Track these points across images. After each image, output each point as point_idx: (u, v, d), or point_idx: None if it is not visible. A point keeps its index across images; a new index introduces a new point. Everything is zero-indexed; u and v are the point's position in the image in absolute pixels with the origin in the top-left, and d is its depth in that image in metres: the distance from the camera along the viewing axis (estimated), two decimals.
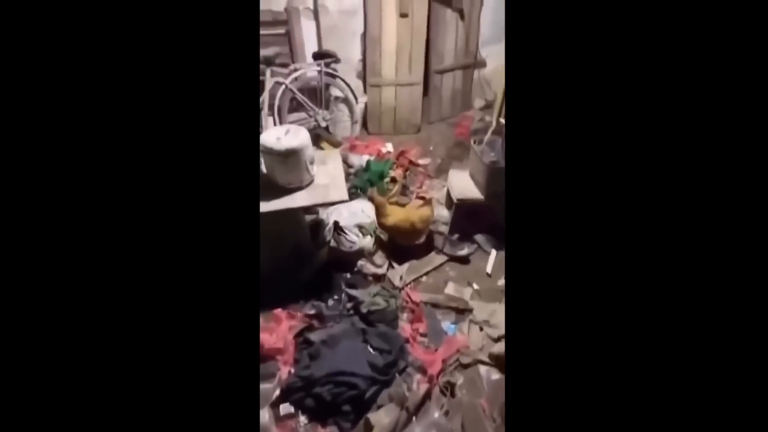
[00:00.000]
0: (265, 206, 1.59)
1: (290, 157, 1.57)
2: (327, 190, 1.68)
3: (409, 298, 1.77)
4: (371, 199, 1.98)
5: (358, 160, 2.65)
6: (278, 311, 1.67)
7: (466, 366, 1.51)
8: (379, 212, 1.94)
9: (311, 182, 1.72)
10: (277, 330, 1.58)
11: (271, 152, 1.57)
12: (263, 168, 1.67)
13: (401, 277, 1.87)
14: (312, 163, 1.68)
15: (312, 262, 1.89)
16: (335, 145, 2.94)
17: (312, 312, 1.70)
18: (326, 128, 2.90)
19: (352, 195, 2.39)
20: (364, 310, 1.65)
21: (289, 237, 1.84)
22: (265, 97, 2.63)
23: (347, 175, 2.54)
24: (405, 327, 1.65)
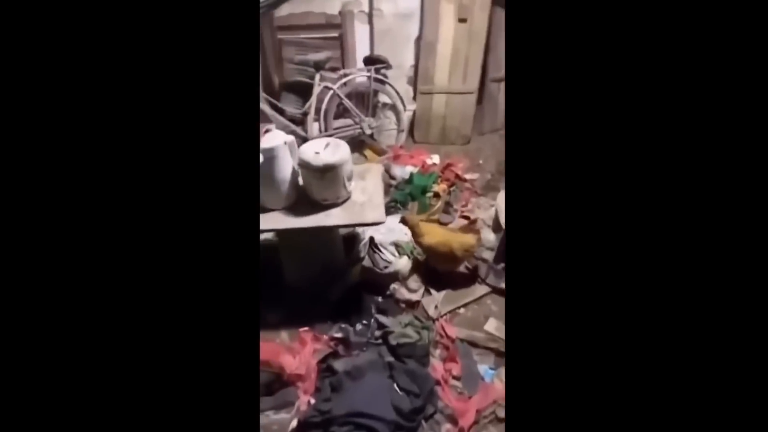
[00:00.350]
0: (297, 222, 1.52)
1: (327, 173, 1.49)
2: (363, 209, 1.58)
3: (444, 332, 1.63)
4: (404, 221, 1.84)
5: (401, 171, 2.53)
6: (303, 332, 1.60)
7: (503, 421, 1.34)
8: (415, 231, 1.81)
9: (347, 199, 1.62)
10: (301, 353, 1.50)
11: (308, 167, 1.49)
12: (300, 181, 1.60)
13: (436, 307, 1.73)
14: (350, 179, 1.59)
15: (343, 281, 1.80)
16: (379, 153, 2.84)
17: (339, 335, 1.61)
18: (371, 136, 2.80)
19: (391, 209, 2.28)
20: (393, 341, 1.53)
21: (322, 252, 1.76)
22: (312, 102, 2.59)
23: (388, 187, 2.43)
24: (436, 366, 1.50)
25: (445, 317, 1.70)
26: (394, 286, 1.80)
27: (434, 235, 1.80)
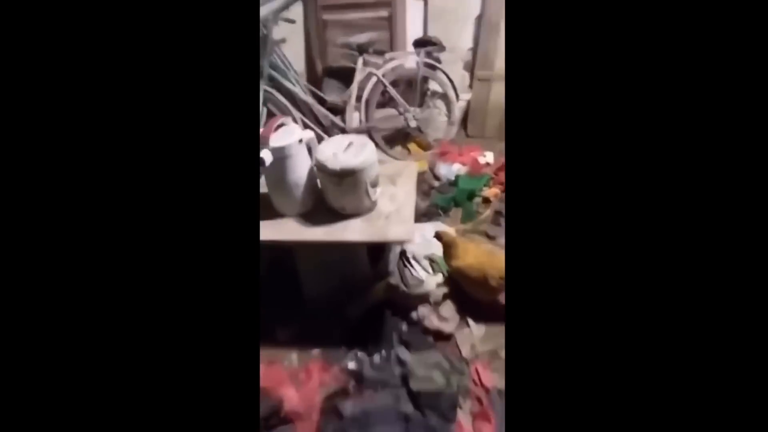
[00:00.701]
0: (308, 233, 1.30)
1: (346, 178, 1.24)
2: (388, 223, 1.31)
3: (479, 379, 1.33)
4: (438, 237, 1.54)
5: (447, 170, 2.21)
6: (312, 363, 1.39)
7: None
8: (447, 250, 1.51)
9: (372, 209, 1.36)
10: (306, 386, 1.30)
11: (324, 170, 1.26)
12: (319, 184, 1.37)
13: (473, 346, 1.43)
14: (375, 186, 1.32)
15: (363, 298, 1.56)
16: (425, 147, 2.54)
17: (352, 366, 1.38)
18: (417, 128, 2.50)
19: (432, 214, 1.98)
20: (414, 386, 1.27)
21: (340, 264, 1.53)
22: (353, 89, 2.34)
23: (429, 189, 2.13)
24: (464, 424, 1.22)
25: (482, 360, 1.39)
26: (423, 311, 1.53)
27: (467, 255, 1.49)
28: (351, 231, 1.29)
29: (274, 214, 1.37)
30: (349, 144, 1.30)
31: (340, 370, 1.37)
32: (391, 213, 1.35)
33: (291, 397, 1.25)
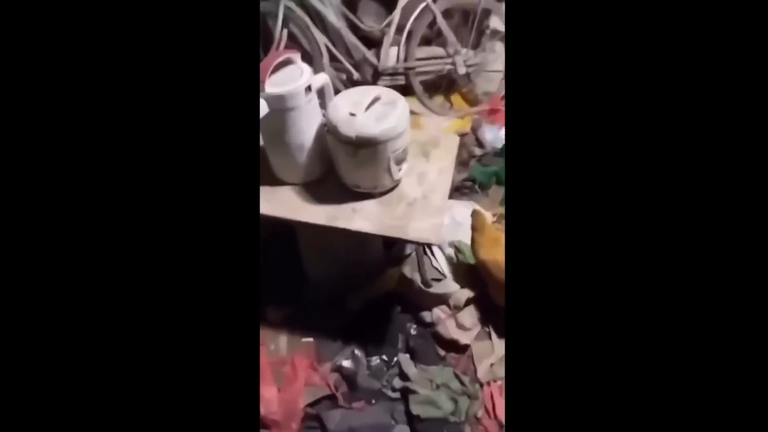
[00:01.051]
0: (305, 212, 1.02)
1: (362, 149, 0.92)
2: (410, 211, 1.01)
3: (493, 409, 1.11)
4: (474, 216, 1.25)
5: (493, 136, 1.82)
6: (299, 357, 1.20)
7: None
8: (474, 237, 1.22)
9: (392, 189, 1.06)
10: (289, 387, 1.12)
11: (336, 134, 0.94)
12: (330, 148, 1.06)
13: (492, 366, 1.19)
14: (400, 162, 1.00)
15: (369, 287, 1.32)
16: (471, 102, 2.11)
17: (347, 365, 1.18)
18: (466, 75, 2.05)
19: (466, 190, 1.66)
20: (414, 409, 1.07)
21: (346, 245, 1.27)
22: (395, 15, 1.89)
23: (469, 158, 1.77)
24: None
25: (499, 385, 1.16)
26: (438, 313, 1.28)
27: (496, 248, 1.19)
28: (360, 218, 1.00)
29: (272, 178, 1.09)
30: (375, 99, 0.96)
31: (331, 370, 1.18)
32: (416, 199, 1.04)
33: (268, 400, 1.07)
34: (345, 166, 1.00)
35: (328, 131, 0.97)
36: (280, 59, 0.95)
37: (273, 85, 0.92)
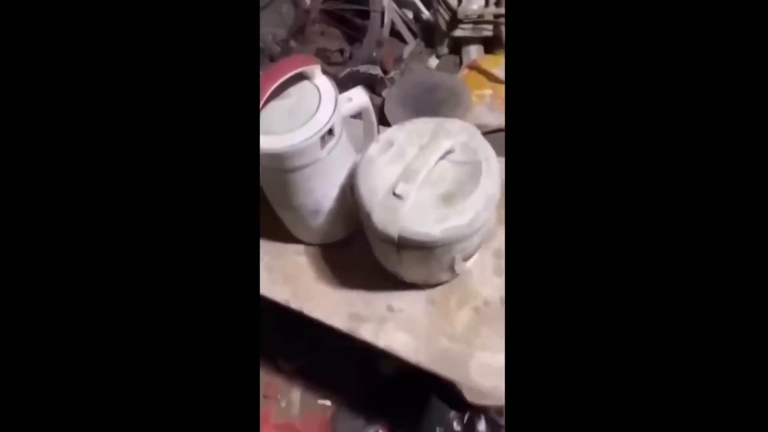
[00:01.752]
0: (317, 308, 0.70)
1: (411, 251, 0.55)
2: (477, 330, 0.65)
3: None
4: None
5: None
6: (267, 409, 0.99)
7: None
8: None
9: (449, 281, 0.69)
10: None
11: (370, 226, 0.56)
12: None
13: None
14: (470, 257, 0.62)
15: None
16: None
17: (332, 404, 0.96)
18: None
19: None
20: None
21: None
22: None
23: None
24: None
25: None
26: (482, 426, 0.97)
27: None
28: (396, 326, 0.66)
29: (281, 230, 0.75)
30: (446, 154, 0.55)
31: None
32: (490, 300, 0.66)
33: None
34: (385, 257, 0.64)
35: (360, 213, 0.59)
36: (291, 73, 0.55)
37: (272, 122, 0.53)
